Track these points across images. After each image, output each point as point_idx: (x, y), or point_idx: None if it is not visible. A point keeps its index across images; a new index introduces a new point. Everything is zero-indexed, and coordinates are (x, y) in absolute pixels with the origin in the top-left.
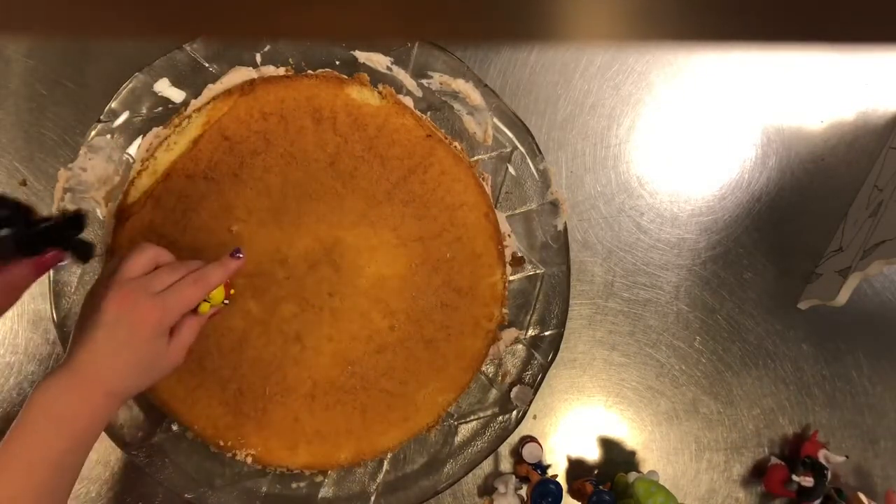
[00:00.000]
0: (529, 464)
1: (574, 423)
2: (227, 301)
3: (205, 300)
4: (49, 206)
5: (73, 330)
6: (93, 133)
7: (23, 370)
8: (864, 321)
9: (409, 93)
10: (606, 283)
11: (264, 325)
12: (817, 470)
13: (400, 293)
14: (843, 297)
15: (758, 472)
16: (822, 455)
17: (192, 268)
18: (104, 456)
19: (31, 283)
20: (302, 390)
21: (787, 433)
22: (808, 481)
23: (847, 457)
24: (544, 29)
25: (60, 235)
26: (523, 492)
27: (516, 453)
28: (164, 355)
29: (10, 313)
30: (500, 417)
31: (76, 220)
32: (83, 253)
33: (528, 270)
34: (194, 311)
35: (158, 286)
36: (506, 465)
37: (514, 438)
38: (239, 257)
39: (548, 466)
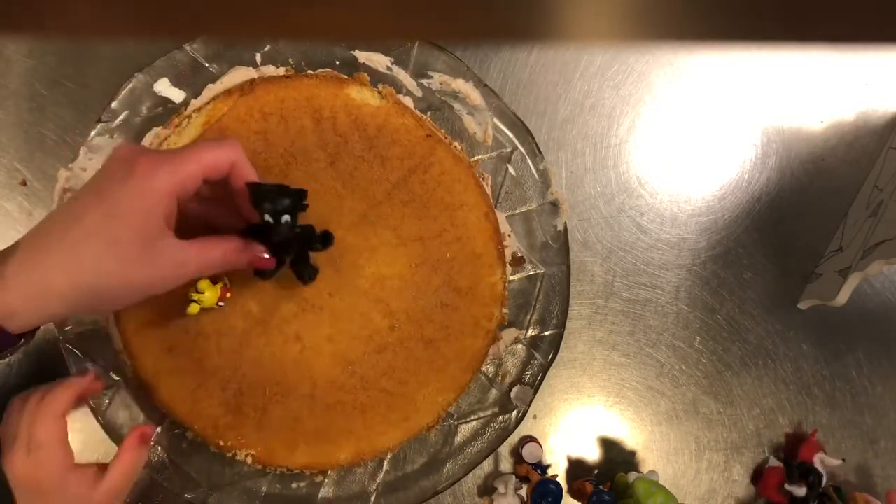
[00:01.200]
0: (529, 464)
1: (574, 423)
2: (221, 303)
3: (194, 301)
4: (49, 205)
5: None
6: (93, 133)
7: (22, 370)
8: (864, 321)
9: (409, 93)
10: (606, 283)
11: (264, 325)
12: (812, 478)
13: (400, 293)
14: (843, 297)
15: (758, 473)
16: (817, 459)
17: (34, 400)
18: (104, 456)
19: (232, 266)
20: (302, 390)
21: (787, 433)
22: (801, 491)
23: (844, 460)
24: (544, 29)
25: (303, 243)
26: (523, 492)
27: (516, 453)
28: (87, 495)
29: None
30: (500, 417)
31: (327, 237)
32: (306, 272)
33: (528, 270)
34: (184, 314)
35: (21, 440)
36: (506, 465)
37: (514, 438)
38: (90, 377)
39: (548, 466)
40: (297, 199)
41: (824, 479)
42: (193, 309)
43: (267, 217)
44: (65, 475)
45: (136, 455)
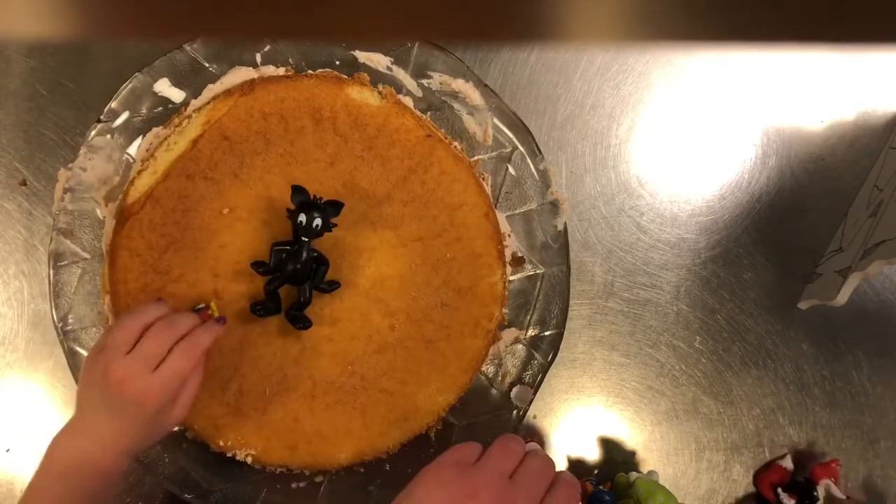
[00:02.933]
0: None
1: (574, 423)
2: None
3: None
4: (49, 205)
5: (78, 389)
6: (93, 133)
7: (23, 370)
8: (864, 321)
9: (409, 93)
10: (606, 283)
11: (264, 325)
12: (805, 498)
13: (400, 293)
14: (843, 297)
15: (767, 465)
16: (823, 484)
17: (179, 328)
18: None
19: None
20: (302, 390)
21: (788, 433)
22: (789, 502)
23: (848, 497)
24: (544, 29)
25: (313, 279)
26: None
27: None
28: (168, 416)
29: (10, 313)
30: (500, 417)
31: (333, 283)
32: (300, 322)
33: (528, 270)
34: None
35: (153, 360)
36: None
37: None
38: (222, 322)
39: (599, 475)
40: (333, 207)
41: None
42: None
43: (301, 218)
44: (167, 406)
45: (197, 386)
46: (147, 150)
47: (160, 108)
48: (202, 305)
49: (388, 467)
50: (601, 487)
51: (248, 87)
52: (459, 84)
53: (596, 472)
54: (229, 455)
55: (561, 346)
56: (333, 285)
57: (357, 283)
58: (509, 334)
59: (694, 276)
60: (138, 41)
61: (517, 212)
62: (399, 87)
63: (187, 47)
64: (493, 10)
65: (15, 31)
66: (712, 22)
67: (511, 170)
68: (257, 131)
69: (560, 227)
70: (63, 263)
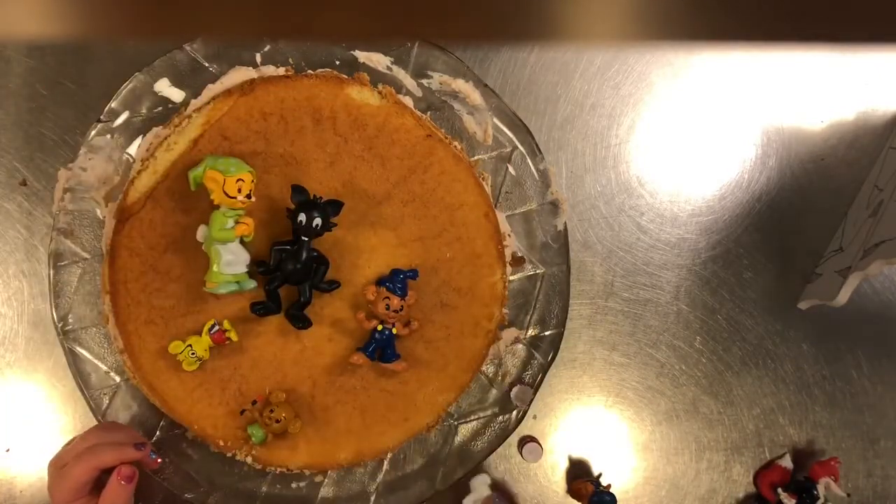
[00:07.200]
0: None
1: (574, 423)
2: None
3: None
4: (49, 205)
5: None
6: (93, 133)
7: (23, 370)
8: (864, 321)
9: (408, 93)
10: (606, 283)
11: (265, 325)
12: (805, 497)
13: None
14: (843, 297)
15: (768, 464)
16: (823, 483)
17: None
18: None
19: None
20: (302, 390)
21: (788, 433)
22: (789, 501)
23: (849, 495)
24: (544, 29)
25: (313, 279)
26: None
27: (517, 453)
28: None
29: (10, 313)
30: (500, 417)
31: (333, 283)
32: (300, 322)
33: (528, 270)
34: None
35: (64, 461)
36: (505, 465)
37: (514, 438)
38: (144, 453)
39: (599, 476)
40: (333, 207)
41: (818, 503)
42: (190, 366)
43: (301, 218)
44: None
45: (118, 493)
46: (147, 150)
47: (160, 108)
48: (215, 324)
49: (388, 467)
50: (601, 488)
51: (248, 87)
52: (459, 84)
53: (599, 473)
54: (229, 455)
55: (561, 346)
56: (333, 285)
57: (357, 283)
58: (509, 334)
59: (694, 276)
60: (138, 41)
61: (517, 212)
62: (399, 87)
63: (187, 47)
64: (493, 10)
65: (15, 31)
66: (712, 22)
67: (511, 170)
68: (257, 131)
69: (560, 227)
70: (63, 263)
